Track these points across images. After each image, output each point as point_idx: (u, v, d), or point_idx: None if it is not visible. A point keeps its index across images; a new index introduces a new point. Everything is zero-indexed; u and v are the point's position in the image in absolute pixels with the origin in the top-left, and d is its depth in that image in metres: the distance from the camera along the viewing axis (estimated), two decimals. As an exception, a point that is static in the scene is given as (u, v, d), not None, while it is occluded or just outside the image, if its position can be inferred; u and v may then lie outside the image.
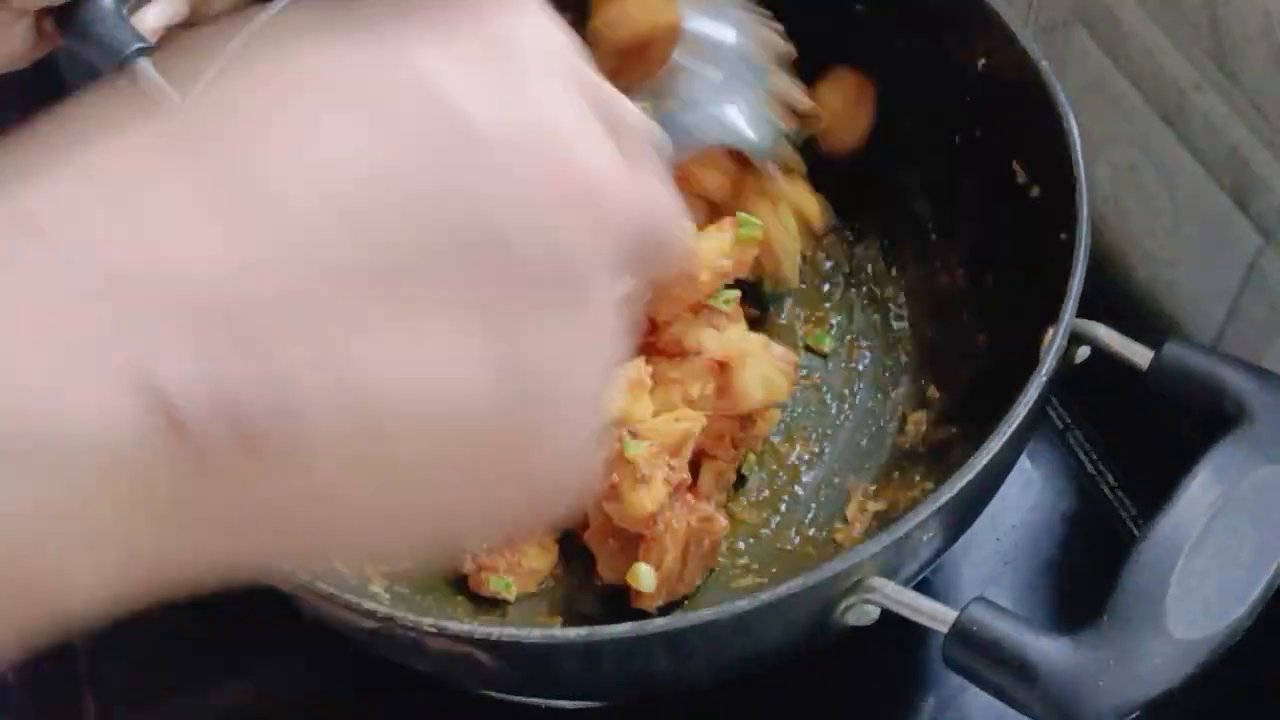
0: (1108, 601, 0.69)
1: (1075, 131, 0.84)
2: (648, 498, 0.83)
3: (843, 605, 0.71)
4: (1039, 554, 0.98)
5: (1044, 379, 0.75)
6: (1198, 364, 0.77)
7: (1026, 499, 1.00)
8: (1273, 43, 0.82)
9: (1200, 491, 0.71)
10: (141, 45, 1.01)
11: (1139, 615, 0.67)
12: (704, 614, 0.69)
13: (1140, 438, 0.98)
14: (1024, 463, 1.01)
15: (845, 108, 1.03)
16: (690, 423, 0.85)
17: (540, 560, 0.89)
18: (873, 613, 0.71)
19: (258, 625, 0.99)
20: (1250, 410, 0.74)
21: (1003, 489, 0.99)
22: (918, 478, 0.94)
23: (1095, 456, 1.02)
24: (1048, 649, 0.67)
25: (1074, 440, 1.03)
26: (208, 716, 0.97)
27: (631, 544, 0.87)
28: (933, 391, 0.99)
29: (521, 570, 0.88)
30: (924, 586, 0.96)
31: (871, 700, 0.95)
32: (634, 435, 0.83)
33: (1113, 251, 1.08)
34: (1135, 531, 0.97)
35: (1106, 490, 1.00)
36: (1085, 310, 0.79)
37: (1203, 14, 0.88)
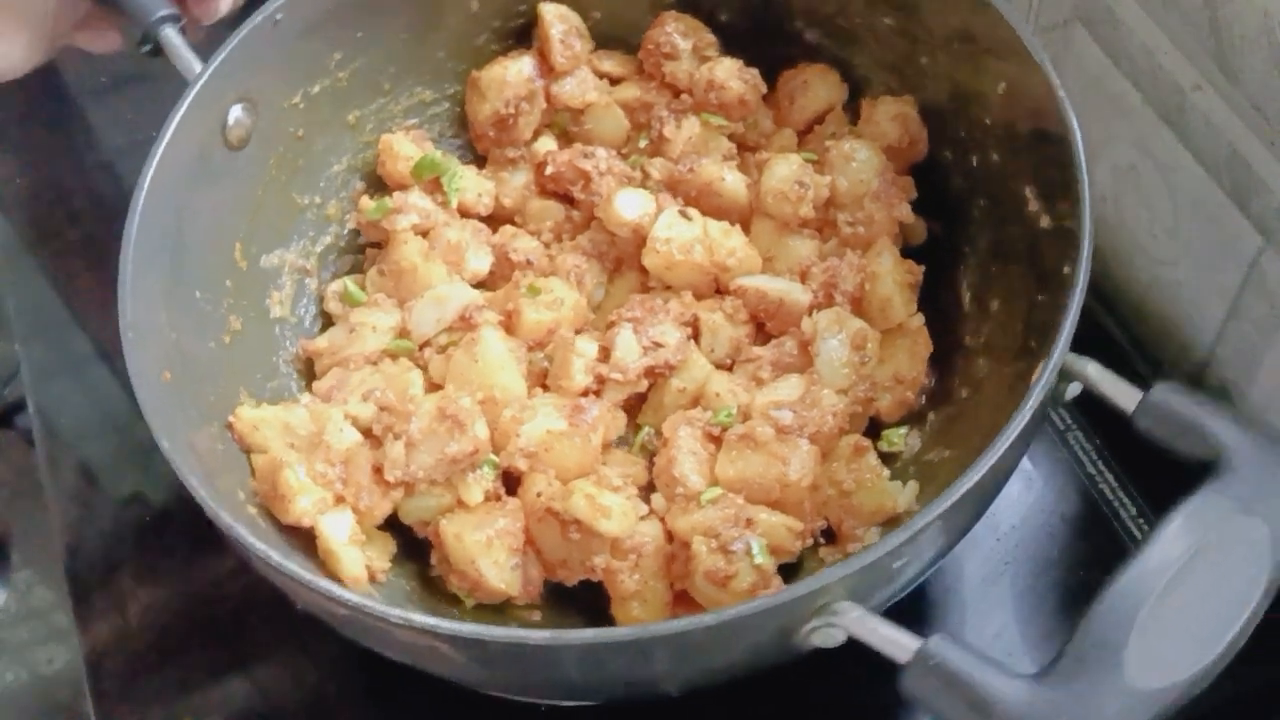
0: (1068, 645, 0.68)
1: (1084, 170, 0.82)
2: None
3: (808, 627, 0.71)
4: (1039, 554, 0.98)
5: (1027, 415, 0.74)
6: (1183, 409, 0.76)
7: (1026, 499, 1.01)
8: (1273, 43, 0.83)
9: (1172, 540, 0.70)
10: (168, 13, 1.02)
11: (1098, 661, 0.67)
12: (671, 625, 0.69)
13: (1140, 438, 0.98)
14: (1024, 463, 1.01)
15: (897, 133, 1.02)
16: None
17: (503, 582, 0.90)
18: (839, 636, 0.71)
19: (258, 625, 1.00)
20: (1232, 461, 0.73)
21: (1003, 489, 0.99)
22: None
23: (1095, 456, 1.01)
24: (1004, 689, 0.66)
25: (1074, 440, 1.03)
26: (208, 716, 0.98)
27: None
28: (929, 412, 0.98)
29: (482, 589, 0.89)
30: (923, 586, 0.96)
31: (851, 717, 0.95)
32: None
33: (1113, 251, 1.08)
34: (1135, 531, 0.97)
35: (1106, 490, 1.00)
36: (1089, 328, 0.78)
37: (1203, 14, 0.88)
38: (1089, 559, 0.98)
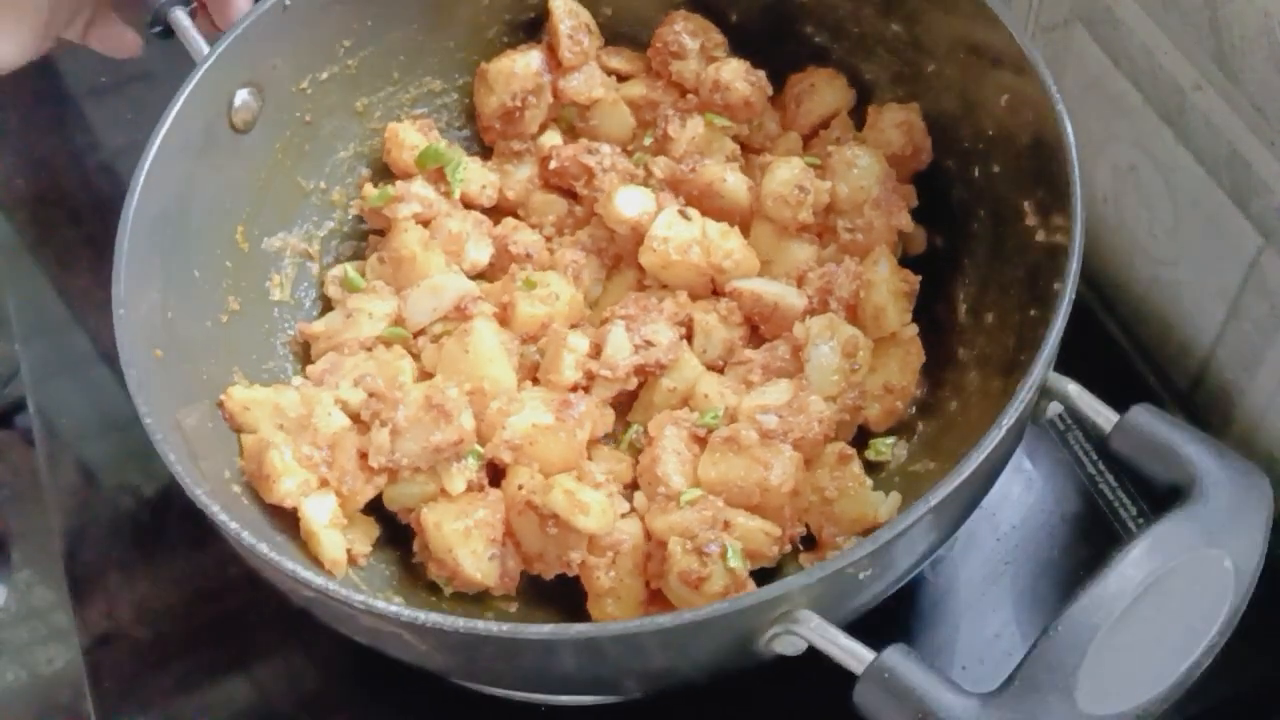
0: (1022, 665, 0.68)
1: (1078, 184, 0.82)
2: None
3: (768, 634, 0.71)
4: (1039, 554, 0.98)
5: (1001, 432, 0.73)
6: (1159, 433, 0.76)
7: (1026, 499, 1.00)
8: (1273, 43, 0.83)
9: (1133, 567, 0.70)
10: None
11: (1049, 684, 0.67)
12: (628, 625, 0.70)
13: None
14: (1024, 463, 1.02)
15: (900, 141, 1.01)
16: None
17: (479, 572, 0.90)
18: (799, 644, 0.71)
19: (258, 625, 1.00)
20: (1204, 489, 0.73)
21: (1003, 489, 0.99)
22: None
23: (1095, 456, 1.01)
24: (953, 706, 0.67)
25: (1074, 440, 1.03)
26: (208, 716, 0.98)
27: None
28: (919, 423, 0.97)
29: (459, 578, 0.89)
30: (923, 585, 0.96)
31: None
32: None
33: (1113, 251, 1.08)
34: (1135, 532, 0.97)
35: (1106, 490, 1.00)
36: (1088, 328, 0.78)
37: (1203, 14, 0.88)
38: (1089, 559, 0.97)
